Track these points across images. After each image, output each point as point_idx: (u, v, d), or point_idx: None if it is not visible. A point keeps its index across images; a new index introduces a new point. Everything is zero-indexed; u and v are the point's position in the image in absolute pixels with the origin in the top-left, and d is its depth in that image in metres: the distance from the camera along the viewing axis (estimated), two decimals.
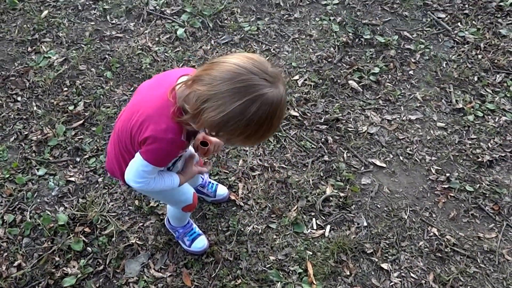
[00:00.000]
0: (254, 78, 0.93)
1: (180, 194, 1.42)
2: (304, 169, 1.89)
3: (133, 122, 1.11)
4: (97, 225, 1.68)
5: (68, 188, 1.79)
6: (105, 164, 1.43)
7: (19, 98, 2.08)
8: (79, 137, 1.95)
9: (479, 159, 1.95)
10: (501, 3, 2.61)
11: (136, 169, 1.16)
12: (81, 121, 1.99)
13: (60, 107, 2.04)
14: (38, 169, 1.84)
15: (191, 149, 1.36)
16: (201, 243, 1.62)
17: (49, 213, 1.71)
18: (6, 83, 2.14)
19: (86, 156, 1.88)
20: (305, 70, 2.25)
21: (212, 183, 1.76)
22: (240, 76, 0.93)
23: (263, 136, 1.02)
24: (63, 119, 2.00)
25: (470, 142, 2.02)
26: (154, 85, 1.16)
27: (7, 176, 1.81)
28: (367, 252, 1.67)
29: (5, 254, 1.62)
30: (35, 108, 2.04)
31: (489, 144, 2.01)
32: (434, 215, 1.78)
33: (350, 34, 2.42)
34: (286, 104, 0.90)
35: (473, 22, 2.52)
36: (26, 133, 1.95)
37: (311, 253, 1.65)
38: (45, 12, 2.45)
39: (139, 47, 2.30)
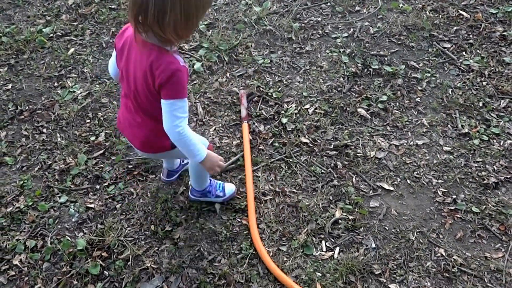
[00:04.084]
0: None
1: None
2: (314, 193, 1.94)
3: (143, 79, 1.25)
4: (114, 250, 1.74)
5: (88, 215, 1.87)
6: (137, 149, 1.61)
7: (44, 130, 2.22)
8: (100, 166, 2.05)
9: (485, 181, 1.97)
10: (505, 33, 2.69)
11: (170, 114, 1.24)
12: (101, 151, 2.11)
13: (83, 138, 2.17)
14: (60, 197, 1.93)
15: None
16: (230, 186, 1.85)
17: (69, 238, 1.78)
18: (33, 116, 2.29)
19: (105, 184, 1.98)
20: (315, 99, 2.35)
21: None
22: None
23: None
24: (85, 149, 2.11)
25: (476, 165, 2.04)
26: (129, 55, 1.35)
27: (31, 203, 1.90)
28: (376, 273, 1.68)
29: (26, 278, 1.68)
30: (59, 139, 2.18)
31: (494, 166, 2.03)
32: (441, 236, 1.79)
33: (359, 64, 2.53)
34: None
35: (478, 51, 2.60)
36: (50, 162, 2.07)
37: (320, 274, 1.67)
38: (72, 49, 2.64)
39: None
